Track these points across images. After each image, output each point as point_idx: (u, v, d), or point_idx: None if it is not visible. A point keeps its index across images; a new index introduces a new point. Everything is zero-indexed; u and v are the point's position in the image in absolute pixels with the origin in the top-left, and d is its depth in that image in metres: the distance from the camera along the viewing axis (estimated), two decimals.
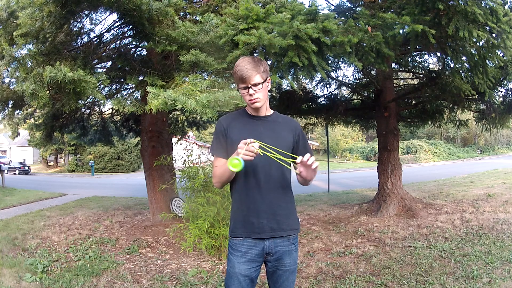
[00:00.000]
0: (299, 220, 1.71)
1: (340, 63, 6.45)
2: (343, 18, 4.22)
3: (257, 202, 1.56)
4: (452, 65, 5.16)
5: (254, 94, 1.52)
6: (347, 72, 27.18)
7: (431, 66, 7.64)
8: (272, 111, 1.68)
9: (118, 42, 4.82)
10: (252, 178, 1.56)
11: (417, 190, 8.92)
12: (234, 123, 1.63)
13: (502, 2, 3.79)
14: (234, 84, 3.18)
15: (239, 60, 1.55)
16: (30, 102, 3.44)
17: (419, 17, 3.32)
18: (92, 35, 4.68)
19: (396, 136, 6.36)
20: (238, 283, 1.58)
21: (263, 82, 1.53)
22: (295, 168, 1.54)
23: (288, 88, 7.06)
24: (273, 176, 1.56)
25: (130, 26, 4.06)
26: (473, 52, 4.02)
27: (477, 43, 3.88)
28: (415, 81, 8.14)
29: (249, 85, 1.51)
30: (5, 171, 15.55)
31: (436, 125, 7.90)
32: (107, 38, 4.70)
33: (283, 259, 1.61)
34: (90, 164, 24.38)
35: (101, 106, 7.61)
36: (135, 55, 5.07)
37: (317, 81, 7.49)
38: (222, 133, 1.62)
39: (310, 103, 7.72)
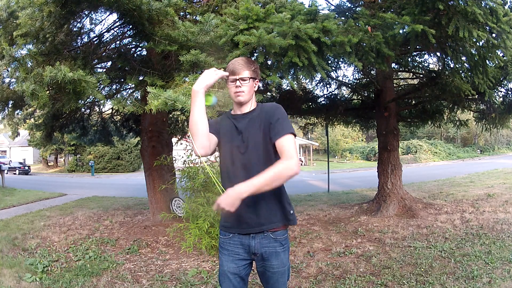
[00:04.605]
0: (291, 212, 1.62)
1: (340, 63, 6.43)
2: (343, 18, 4.22)
3: None
4: (452, 65, 5.16)
5: (240, 86, 1.62)
6: (347, 72, 27.18)
7: (431, 66, 7.66)
8: (256, 105, 1.71)
9: (118, 42, 4.81)
10: (233, 175, 1.61)
11: (417, 190, 8.92)
12: (222, 121, 1.74)
13: (502, 2, 3.79)
14: None
15: (234, 59, 1.69)
16: (30, 102, 3.43)
17: (419, 17, 3.32)
18: (92, 35, 4.68)
19: (396, 136, 6.36)
20: (229, 281, 1.62)
21: (251, 79, 1.64)
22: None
23: (288, 88, 7.04)
24: (253, 169, 1.53)
25: (130, 26, 4.06)
26: (473, 52, 4.02)
27: (477, 43, 3.88)
28: (415, 81, 8.14)
29: (238, 78, 1.62)
30: (5, 171, 15.55)
31: (436, 125, 7.90)
32: (107, 38, 4.70)
33: (270, 261, 1.60)
34: (90, 164, 24.38)
35: (101, 106, 7.61)
36: (135, 55, 5.07)
37: (317, 81, 7.49)
38: (217, 121, 1.75)
39: (310, 103, 7.72)
